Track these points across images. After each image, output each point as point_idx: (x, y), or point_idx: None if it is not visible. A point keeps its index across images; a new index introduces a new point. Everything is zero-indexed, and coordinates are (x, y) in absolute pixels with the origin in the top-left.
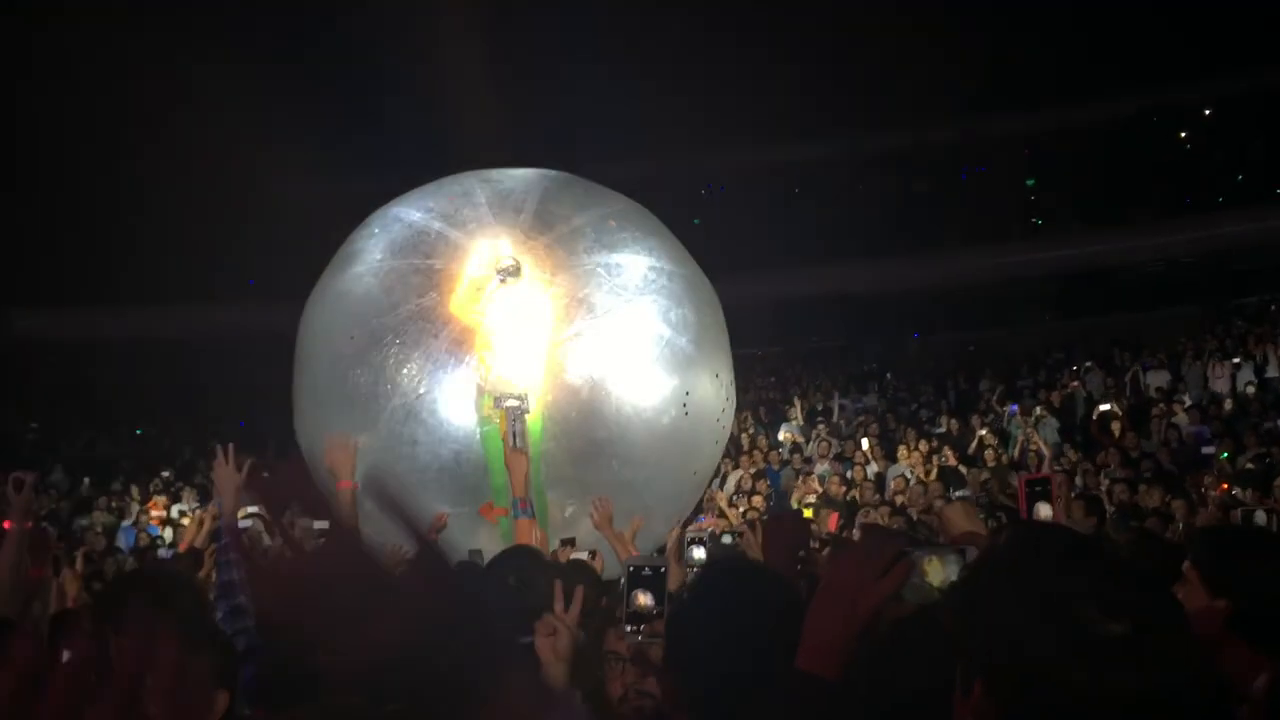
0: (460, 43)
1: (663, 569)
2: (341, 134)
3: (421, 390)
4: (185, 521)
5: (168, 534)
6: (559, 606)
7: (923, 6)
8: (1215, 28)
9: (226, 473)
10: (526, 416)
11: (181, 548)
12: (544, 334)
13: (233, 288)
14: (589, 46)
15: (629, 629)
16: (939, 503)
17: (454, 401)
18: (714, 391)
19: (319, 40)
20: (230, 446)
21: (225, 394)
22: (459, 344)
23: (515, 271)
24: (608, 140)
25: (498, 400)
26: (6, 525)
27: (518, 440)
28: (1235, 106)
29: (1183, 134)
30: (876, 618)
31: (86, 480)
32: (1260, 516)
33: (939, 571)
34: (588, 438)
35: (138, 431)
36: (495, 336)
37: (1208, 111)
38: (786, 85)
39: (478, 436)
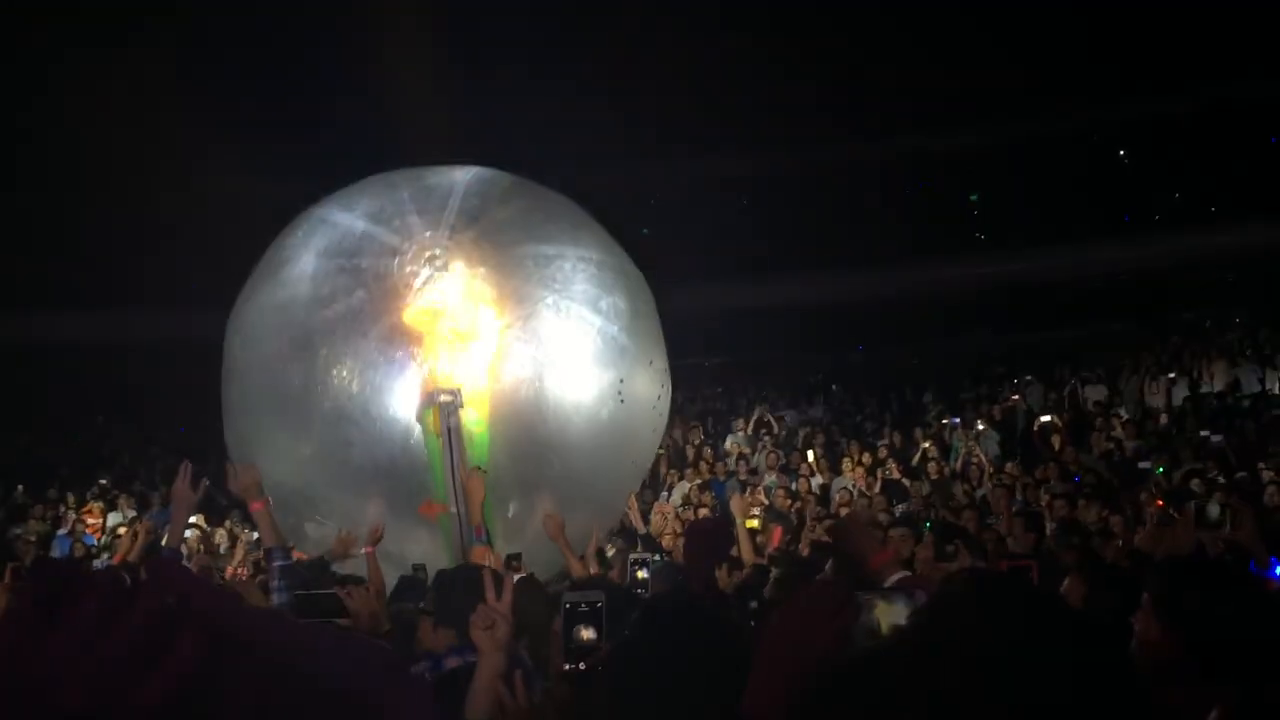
0: (404, 42)
1: (599, 603)
2: (277, 133)
3: (354, 391)
4: (122, 531)
5: (104, 544)
6: (491, 595)
7: (873, 22)
8: (1155, 46)
9: (184, 491)
10: (460, 411)
11: (115, 560)
12: (475, 327)
13: (172, 291)
14: (536, 53)
15: (567, 666)
16: (883, 517)
17: (387, 401)
18: (649, 379)
19: (259, 39)
20: (187, 465)
21: (164, 399)
22: (389, 343)
23: (443, 266)
24: (553, 149)
25: (430, 396)
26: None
27: (452, 436)
28: (1175, 124)
29: (1122, 151)
30: (823, 664)
31: (20, 487)
32: (1214, 510)
33: (887, 615)
34: (526, 432)
35: (75, 436)
36: (427, 333)
37: (1147, 129)
38: (735, 97)
39: (416, 436)
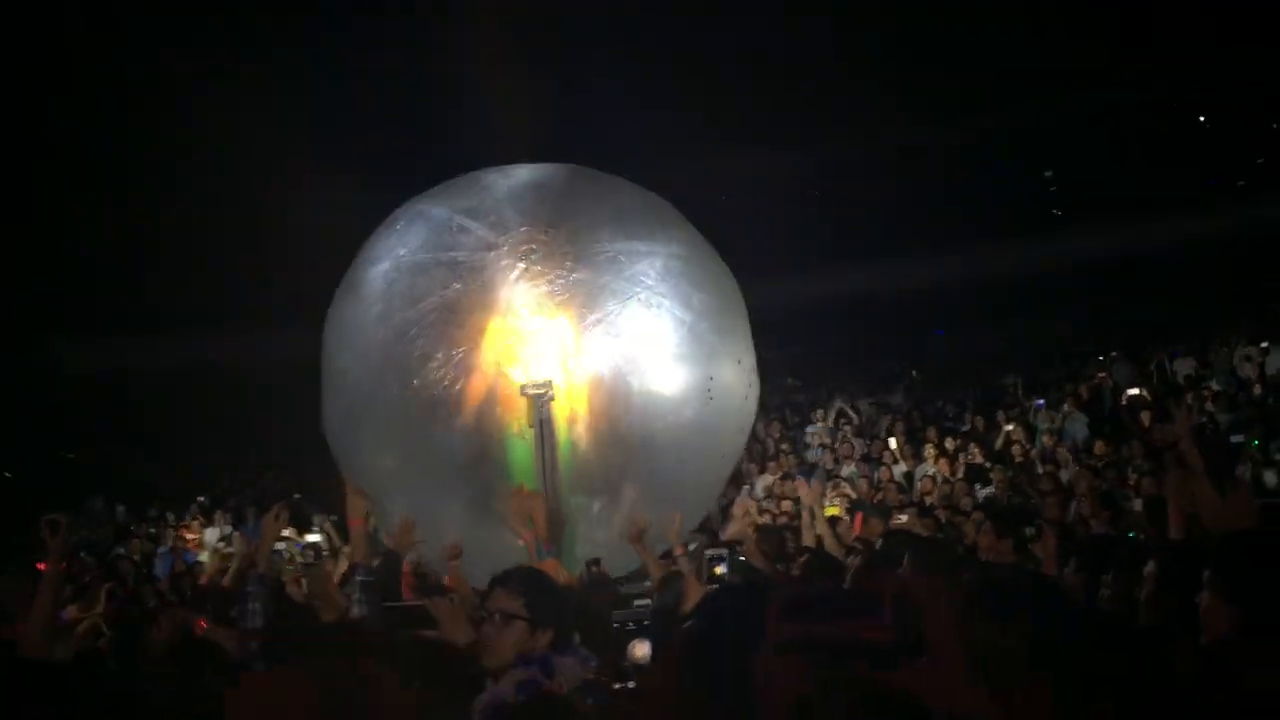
0: (477, 40)
1: (646, 622)
2: (366, 145)
3: (448, 382)
4: (219, 546)
5: (204, 559)
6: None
7: (937, 4)
8: (1235, 7)
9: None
10: (551, 404)
11: (203, 580)
12: (567, 323)
13: (269, 314)
14: (609, 51)
15: (616, 686)
16: (965, 502)
17: (480, 393)
18: (737, 377)
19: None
20: (282, 508)
21: (258, 416)
22: (483, 334)
23: (538, 260)
24: (626, 145)
25: (523, 389)
26: (41, 568)
27: (544, 429)
28: (1255, 87)
29: (1202, 117)
30: None
31: (121, 509)
32: (1270, 477)
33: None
34: (614, 428)
35: (173, 456)
36: (520, 327)
37: (1226, 93)
38: (802, 85)
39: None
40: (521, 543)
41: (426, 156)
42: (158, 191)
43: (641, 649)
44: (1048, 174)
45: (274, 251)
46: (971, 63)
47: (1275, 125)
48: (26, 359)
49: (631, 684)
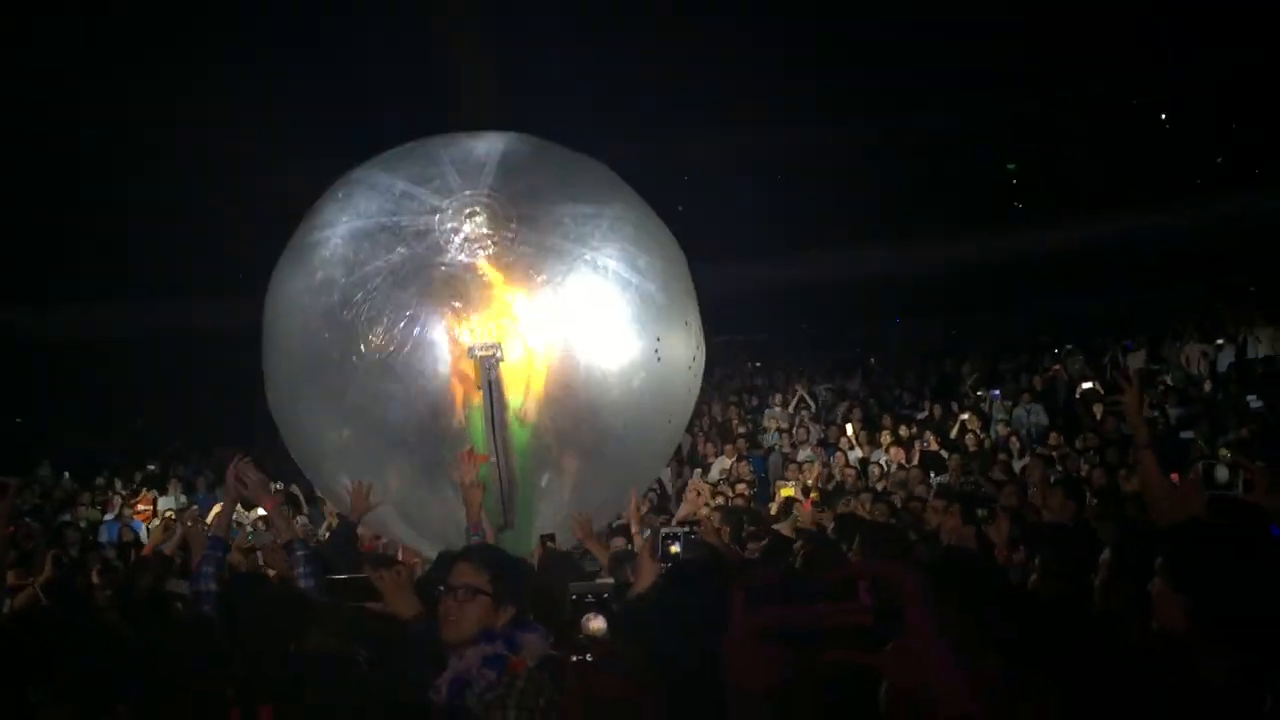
0: (441, 15)
1: (606, 594)
2: (312, 116)
3: (393, 345)
4: (170, 515)
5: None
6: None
7: None
8: (1199, 7)
9: (251, 481)
10: (500, 365)
11: (146, 550)
12: (515, 283)
13: (215, 282)
14: (569, 29)
15: (574, 658)
16: (919, 489)
17: (426, 355)
18: (685, 338)
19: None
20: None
21: (208, 387)
22: (429, 298)
23: (483, 223)
24: (586, 124)
25: (470, 350)
26: None
27: (493, 390)
28: (1213, 88)
29: (1163, 116)
30: None
31: (66, 475)
32: (1221, 472)
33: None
34: (565, 389)
35: (120, 426)
36: (466, 288)
37: (1187, 93)
38: (769, 70)
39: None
40: (465, 509)
41: (370, 127)
42: (109, 157)
43: (596, 622)
44: (1010, 167)
45: (227, 219)
46: (937, 56)
47: (1235, 126)
48: None
49: (588, 657)
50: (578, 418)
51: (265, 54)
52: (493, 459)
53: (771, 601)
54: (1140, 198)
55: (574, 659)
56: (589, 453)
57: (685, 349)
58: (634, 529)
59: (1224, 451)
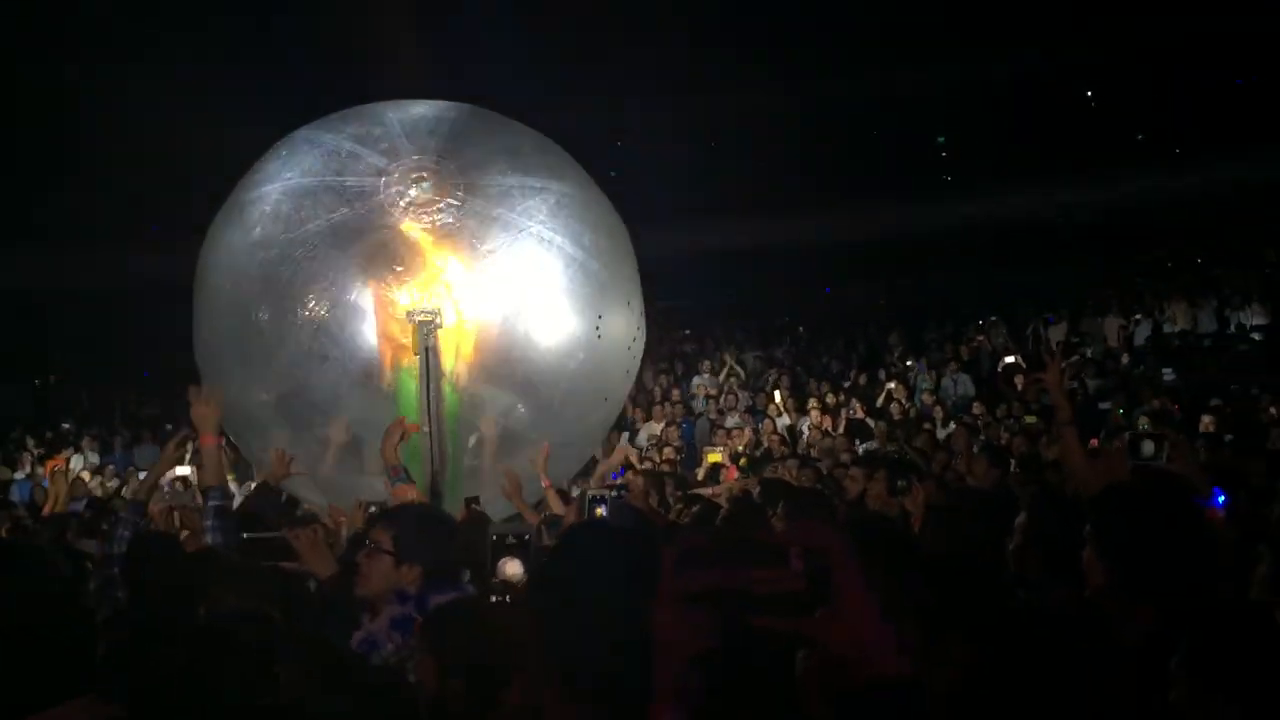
0: None
1: (527, 536)
2: (251, 72)
3: (331, 306)
4: (86, 476)
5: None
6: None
7: None
8: None
9: (205, 410)
10: (438, 331)
11: (45, 511)
12: (458, 251)
13: (131, 232)
14: None
15: (494, 598)
16: (845, 456)
17: (365, 317)
18: (626, 319)
19: None
20: (184, 438)
21: (127, 341)
22: (369, 260)
23: (429, 188)
24: (519, 87)
25: (409, 314)
26: None
27: (430, 356)
28: (1137, 63)
29: (1089, 92)
30: None
31: None
32: (1147, 446)
33: None
34: (502, 361)
35: (35, 382)
36: (408, 253)
37: (1111, 68)
38: (697, 36)
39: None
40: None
41: (320, 91)
42: (41, 98)
43: (512, 566)
44: (940, 139)
45: (154, 172)
46: (867, 23)
47: (1157, 102)
48: None
49: (507, 598)
50: (513, 388)
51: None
52: (425, 427)
53: (700, 565)
54: (1064, 171)
55: (492, 599)
56: (523, 426)
57: (626, 329)
58: (543, 482)
59: (1143, 421)
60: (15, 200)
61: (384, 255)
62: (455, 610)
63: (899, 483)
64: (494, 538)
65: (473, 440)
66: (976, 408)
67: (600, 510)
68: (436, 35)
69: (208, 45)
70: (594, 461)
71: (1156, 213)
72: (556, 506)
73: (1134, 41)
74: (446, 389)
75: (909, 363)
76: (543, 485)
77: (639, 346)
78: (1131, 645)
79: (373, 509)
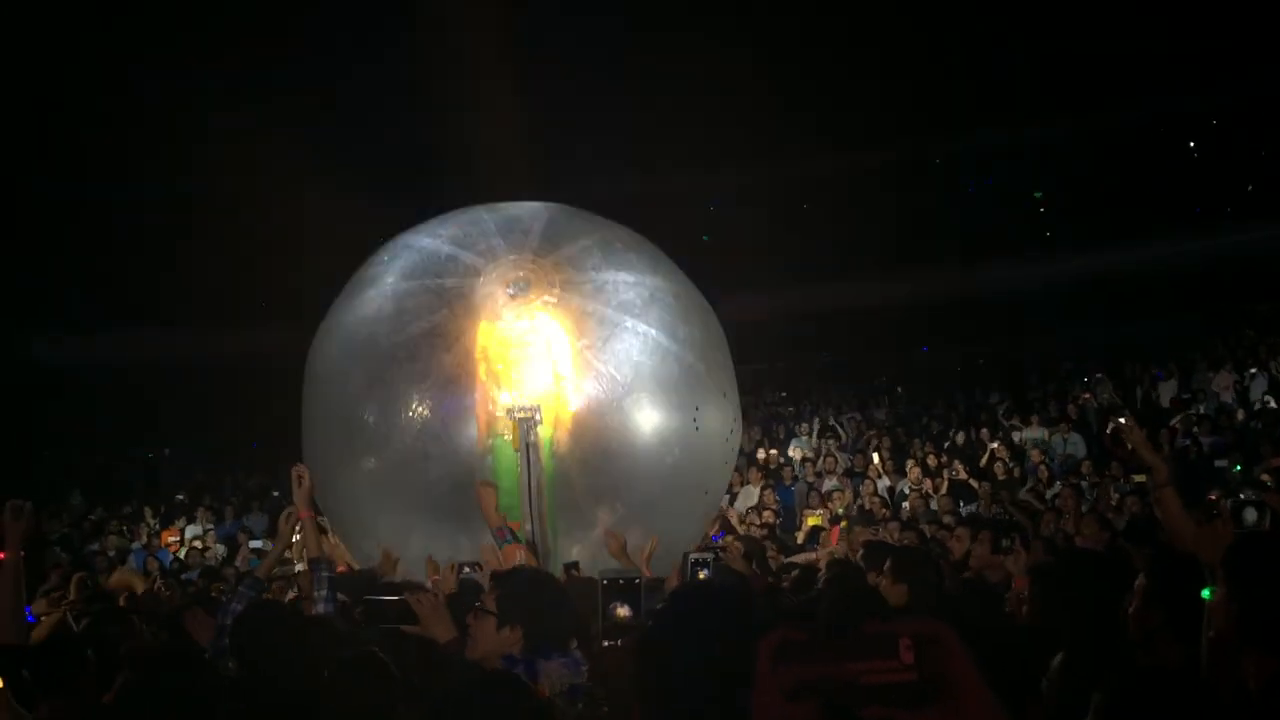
0: (467, 67)
1: (637, 579)
2: (348, 157)
3: (434, 405)
4: (196, 544)
5: (183, 555)
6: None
7: (929, 20)
8: (1223, 35)
9: (286, 529)
10: (539, 427)
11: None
12: (554, 348)
13: (247, 312)
14: (591, 66)
15: (606, 643)
16: (948, 518)
17: (467, 416)
18: (722, 410)
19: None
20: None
21: (236, 417)
22: (471, 359)
23: (525, 286)
24: (613, 159)
25: (510, 412)
26: (1, 556)
27: (530, 452)
28: (1245, 114)
29: (1192, 143)
30: None
31: (99, 507)
32: (1250, 513)
33: None
34: (601, 455)
35: (149, 456)
36: (507, 351)
37: (1216, 120)
38: (788, 101)
39: (491, 450)
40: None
41: (416, 192)
42: (141, 188)
43: (623, 609)
44: (1037, 195)
45: (257, 254)
46: (965, 80)
47: (1265, 152)
48: (6, 354)
49: (619, 642)
50: (613, 483)
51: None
52: (527, 525)
53: (800, 658)
54: (1168, 222)
55: (605, 644)
56: (624, 522)
57: (723, 420)
58: (645, 573)
59: (1266, 478)
60: (130, 281)
61: (484, 354)
62: None
63: (1003, 542)
64: (604, 582)
65: (575, 551)
66: (1084, 468)
67: (703, 574)
68: (526, 108)
69: (316, 140)
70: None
71: (1265, 263)
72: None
73: (1238, 90)
74: (548, 485)
75: (1013, 421)
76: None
77: (736, 438)
78: (1258, 687)
79: (466, 570)
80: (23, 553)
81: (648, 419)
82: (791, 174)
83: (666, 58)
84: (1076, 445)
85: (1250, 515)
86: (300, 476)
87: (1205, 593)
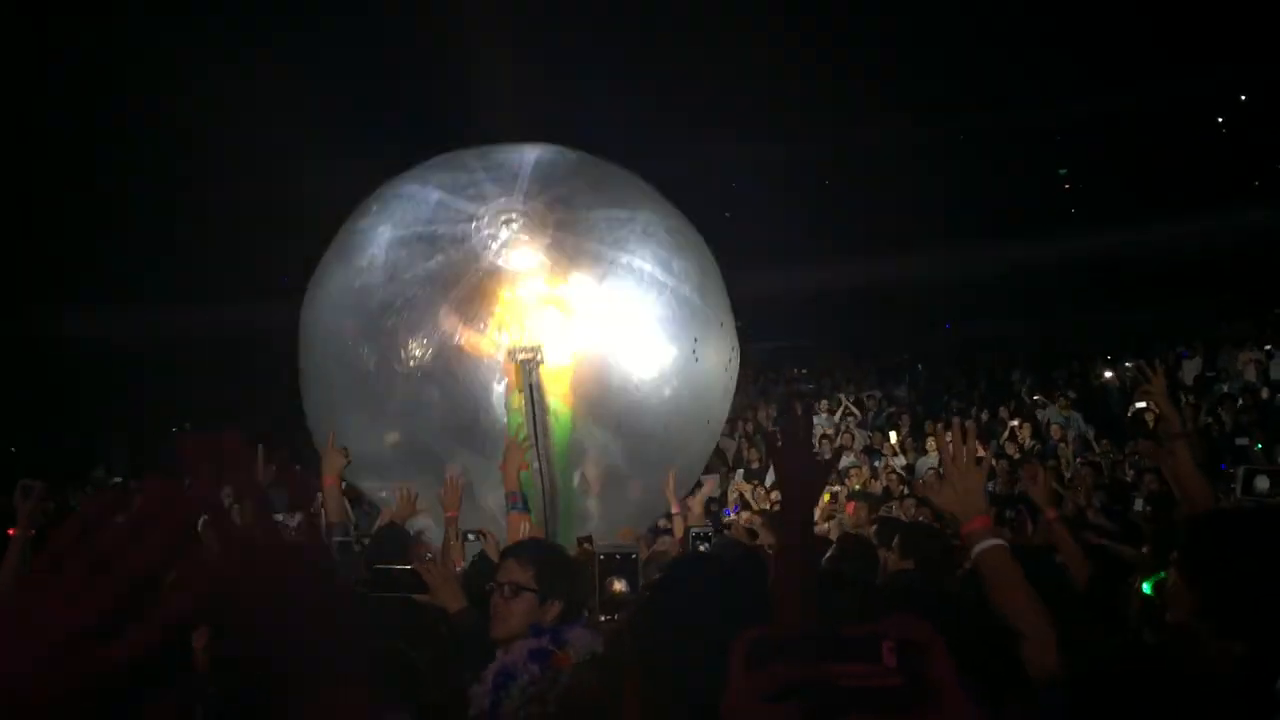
0: (476, 23)
1: (634, 554)
2: (335, 117)
3: (435, 351)
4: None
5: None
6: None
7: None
8: (1246, 12)
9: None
10: (540, 368)
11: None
12: (551, 287)
13: (236, 283)
14: (612, 39)
15: (603, 617)
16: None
17: (468, 360)
18: (720, 340)
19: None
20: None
21: (234, 390)
22: (468, 303)
23: (519, 228)
24: (634, 133)
25: (511, 354)
26: (11, 533)
27: (534, 393)
28: (1272, 92)
29: (1219, 119)
30: None
31: (119, 479)
32: (1262, 482)
33: None
34: (603, 391)
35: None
36: (505, 293)
37: (1243, 98)
38: (813, 76)
39: (499, 396)
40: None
41: (404, 139)
42: (163, 165)
43: (619, 583)
44: (1062, 172)
45: (262, 224)
46: (984, 59)
47: None
48: (32, 331)
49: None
50: (617, 420)
51: (296, 58)
52: (535, 464)
53: (777, 658)
54: (1194, 202)
55: (601, 619)
56: (628, 456)
57: (721, 350)
58: (673, 507)
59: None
60: (142, 260)
61: (481, 298)
62: None
63: (1006, 513)
64: (600, 557)
65: (577, 479)
66: (1105, 444)
67: (704, 548)
68: (538, 77)
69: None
70: (698, 485)
71: None
72: (679, 530)
73: (1265, 68)
74: (554, 418)
75: (1036, 398)
76: (672, 510)
77: (734, 366)
78: (1225, 671)
79: (470, 538)
80: (33, 531)
81: (646, 354)
82: (814, 150)
83: (692, 32)
84: (1077, 423)
85: (1262, 483)
86: (341, 449)
87: (1146, 586)
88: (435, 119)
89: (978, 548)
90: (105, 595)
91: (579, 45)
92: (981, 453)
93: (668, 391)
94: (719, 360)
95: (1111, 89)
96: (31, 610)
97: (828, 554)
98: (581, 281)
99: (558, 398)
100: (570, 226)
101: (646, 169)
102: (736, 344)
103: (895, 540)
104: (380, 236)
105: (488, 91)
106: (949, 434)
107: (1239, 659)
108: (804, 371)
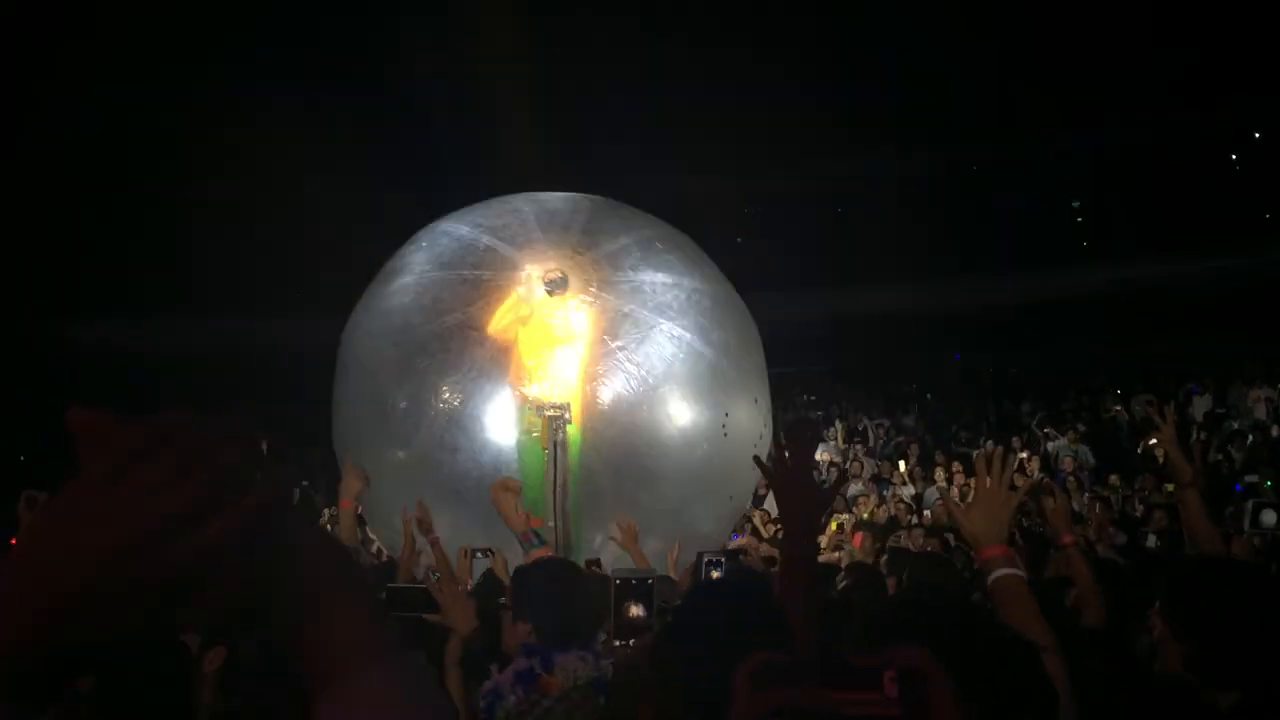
0: (501, 59)
1: (650, 580)
2: (379, 147)
3: (464, 397)
4: None
5: None
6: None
7: (968, 29)
8: (1267, 47)
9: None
10: (568, 426)
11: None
12: (588, 347)
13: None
14: (633, 65)
15: (618, 643)
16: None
17: (496, 410)
18: (752, 416)
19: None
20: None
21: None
22: (504, 353)
23: (563, 283)
24: (651, 158)
25: (539, 409)
26: (14, 543)
27: (558, 450)
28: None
29: (1234, 156)
30: None
31: None
32: (1268, 516)
33: None
34: (627, 455)
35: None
36: (539, 347)
37: (1258, 133)
38: (828, 104)
39: (517, 446)
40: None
41: (450, 177)
42: (179, 174)
43: (635, 608)
44: (1075, 205)
45: (294, 242)
46: (1002, 90)
47: None
48: (44, 339)
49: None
50: (637, 483)
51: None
52: (550, 521)
53: (779, 682)
54: (1206, 237)
55: (616, 643)
56: (648, 523)
57: (753, 426)
58: (674, 576)
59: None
60: (171, 268)
61: (516, 349)
62: None
63: (1016, 539)
64: (617, 582)
65: (596, 542)
66: (1114, 480)
67: (716, 573)
68: (563, 105)
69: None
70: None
71: None
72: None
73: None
74: (573, 483)
75: (1046, 430)
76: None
77: (765, 444)
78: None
79: (478, 555)
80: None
81: (675, 422)
82: (826, 179)
83: (710, 60)
84: (1086, 456)
85: (1269, 518)
86: (362, 474)
87: None
88: (469, 155)
89: (994, 574)
90: (201, 484)
91: (594, 71)
92: (1019, 483)
93: (692, 461)
94: (749, 436)
95: (1126, 124)
96: (125, 495)
97: (841, 583)
98: (620, 343)
99: (583, 457)
100: (614, 287)
101: (660, 191)
102: (770, 422)
103: (906, 572)
104: (425, 275)
105: (515, 112)
106: (986, 460)
107: (1232, 708)
108: (811, 398)
